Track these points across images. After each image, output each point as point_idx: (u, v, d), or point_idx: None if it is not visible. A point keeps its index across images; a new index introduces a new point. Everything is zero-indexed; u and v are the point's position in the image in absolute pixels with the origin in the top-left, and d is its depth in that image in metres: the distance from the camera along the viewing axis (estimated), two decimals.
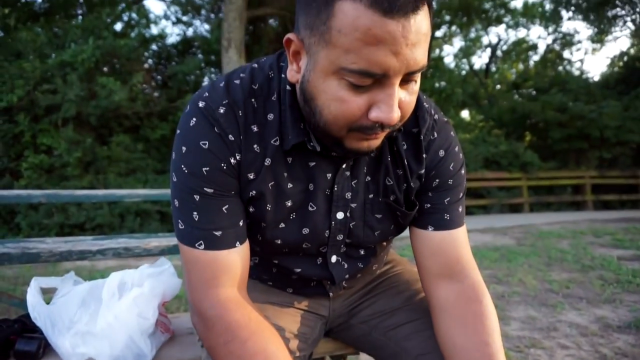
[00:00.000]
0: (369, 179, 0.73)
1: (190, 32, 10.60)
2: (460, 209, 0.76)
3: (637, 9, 16.16)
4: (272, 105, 0.67)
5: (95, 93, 7.37)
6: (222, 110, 0.64)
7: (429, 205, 0.75)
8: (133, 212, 7.38)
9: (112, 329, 0.82)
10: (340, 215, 0.72)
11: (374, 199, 0.74)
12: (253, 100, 0.66)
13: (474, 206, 10.53)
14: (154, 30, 10.13)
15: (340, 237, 0.75)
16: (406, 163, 0.73)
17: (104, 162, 7.67)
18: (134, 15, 9.23)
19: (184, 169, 0.64)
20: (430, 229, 0.74)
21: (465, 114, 14.87)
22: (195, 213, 0.64)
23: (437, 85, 11.63)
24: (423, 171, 0.73)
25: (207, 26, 10.47)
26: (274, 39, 10.13)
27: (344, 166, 0.70)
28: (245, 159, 0.66)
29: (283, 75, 0.67)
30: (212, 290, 0.65)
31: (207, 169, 0.63)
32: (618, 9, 16.53)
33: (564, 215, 8.33)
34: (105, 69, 8.17)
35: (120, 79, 7.52)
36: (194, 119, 0.65)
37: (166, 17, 10.91)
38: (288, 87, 0.66)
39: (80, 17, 8.79)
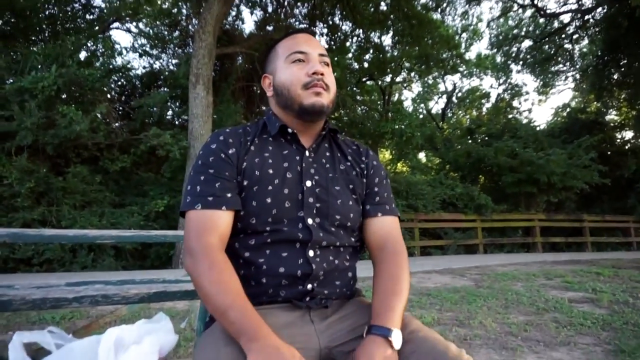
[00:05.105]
0: (328, 166, 1.11)
1: (157, 65, 10.56)
2: (393, 204, 1.15)
3: (577, 66, 17.73)
4: (259, 130, 1.11)
5: (54, 122, 7.12)
6: (227, 130, 1.09)
7: (378, 199, 1.13)
8: (86, 247, 7.03)
9: None
10: (308, 183, 1.05)
11: (333, 176, 1.09)
12: (248, 128, 1.12)
13: (431, 246, 10.77)
14: (119, 61, 9.96)
15: (311, 199, 1.03)
16: (350, 158, 1.15)
17: (59, 193, 7.32)
18: (99, 45, 9.12)
19: (199, 162, 1.02)
20: (380, 215, 1.11)
21: (421, 156, 15.44)
22: (198, 187, 0.98)
23: (396, 127, 12.05)
24: (364, 166, 1.15)
25: (174, 60, 10.47)
26: (241, 77, 10.25)
27: (307, 153, 1.08)
28: (241, 150, 1.04)
29: (265, 117, 1.15)
30: (202, 238, 0.93)
31: (212, 158, 1.01)
32: (560, 65, 18.10)
33: (516, 257, 8.66)
34: (64, 96, 7.94)
35: (82, 109, 7.32)
36: (209, 139, 1.07)
37: (133, 49, 10.82)
38: (271, 112, 1.14)
39: (42, 43, 8.57)
